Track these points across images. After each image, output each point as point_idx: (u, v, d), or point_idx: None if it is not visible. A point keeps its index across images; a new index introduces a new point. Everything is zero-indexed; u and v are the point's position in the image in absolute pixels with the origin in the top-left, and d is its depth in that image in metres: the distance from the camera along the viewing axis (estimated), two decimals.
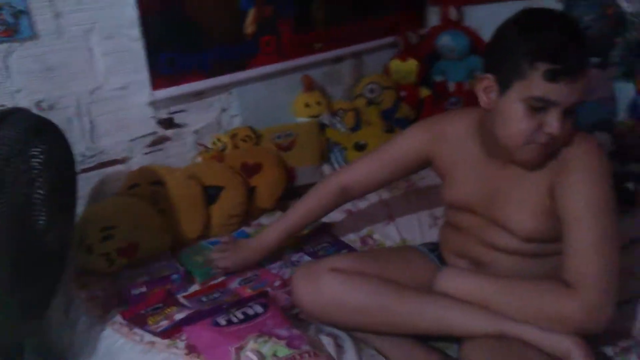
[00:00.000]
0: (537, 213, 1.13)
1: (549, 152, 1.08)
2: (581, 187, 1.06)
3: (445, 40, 2.51)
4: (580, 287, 1.03)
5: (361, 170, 1.43)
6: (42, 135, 1.18)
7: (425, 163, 1.37)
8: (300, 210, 1.47)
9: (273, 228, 1.48)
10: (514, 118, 1.04)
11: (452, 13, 2.60)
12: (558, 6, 2.24)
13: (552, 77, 0.98)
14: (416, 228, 1.68)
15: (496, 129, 1.10)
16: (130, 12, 1.68)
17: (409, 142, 1.35)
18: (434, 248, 1.40)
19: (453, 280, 1.18)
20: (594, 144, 1.11)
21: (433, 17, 2.74)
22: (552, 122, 1.01)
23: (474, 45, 2.52)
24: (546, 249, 1.16)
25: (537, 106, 1.01)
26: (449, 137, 1.27)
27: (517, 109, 1.03)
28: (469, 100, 2.41)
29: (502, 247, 1.19)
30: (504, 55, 1.05)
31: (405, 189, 1.94)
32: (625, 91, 2.08)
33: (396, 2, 2.58)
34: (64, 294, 1.35)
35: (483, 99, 1.11)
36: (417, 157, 1.35)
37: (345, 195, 1.46)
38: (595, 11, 2.15)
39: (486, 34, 2.49)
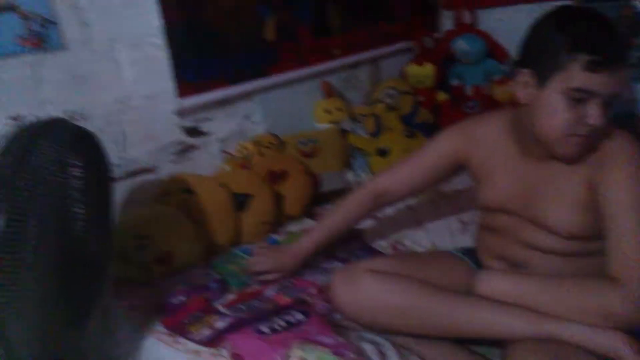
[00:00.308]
0: (576, 208, 1.13)
1: (588, 145, 1.09)
2: (624, 183, 1.06)
3: (461, 44, 2.52)
4: (626, 280, 1.02)
5: (396, 176, 1.43)
6: (83, 146, 1.19)
7: (459, 168, 1.38)
8: (337, 217, 1.47)
9: (310, 234, 1.47)
10: (555, 110, 1.05)
11: (466, 17, 2.62)
12: None
13: (591, 67, 0.99)
14: (446, 233, 1.68)
15: (536, 122, 1.10)
16: (154, 21, 1.69)
17: (443, 147, 1.36)
18: (469, 252, 1.40)
19: (493, 282, 1.18)
20: (630, 138, 1.11)
21: (447, 21, 2.76)
22: (593, 113, 1.02)
23: (489, 49, 2.54)
24: (587, 248, 1.16)
25: (577, 97, 1.02)
26: (481, 139, 1.28)
27: (558, 100, 1.04)
28: (487, 103, 2.43)
29: (540, 246, 1.19)
30: (541, 48, 1.06)
31: (431, 194, 1.94)
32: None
33: (410, 7, 2.59)
34: (103, 304, 1.34)
35: (521, 94, 1.11)
36: (451, 161, 1.36)
37: (380, 201, 1.46)
38: (612, 12, 2.16)
39: (500, 37, 2.54)
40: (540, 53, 1.06)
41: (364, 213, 1.48)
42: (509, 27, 2.52)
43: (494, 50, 2.55)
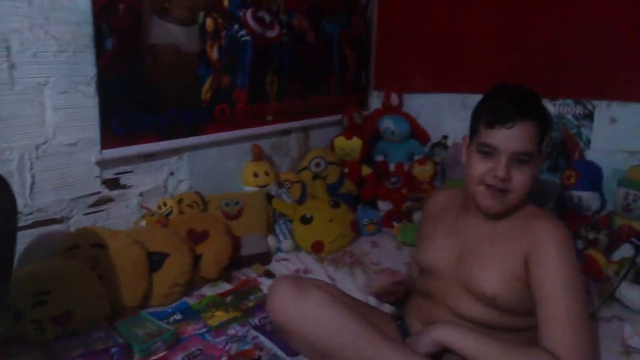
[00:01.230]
0: (507, 276, 1.18)
1: (504, 200, 1.20)
2: (554, 261, 1.14)
3: (388, 124, 2.66)
4: (565, 356, 1.08)
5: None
6: None
7: None
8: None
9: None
10: (471, 164, 1.23)
11: (394, 99, 2.78)
12: None
13: (489, 123, 1.18)
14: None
15: (464, 177, 1.27)
16: (88, 69, 1.66)
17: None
18: (396, 317, 1.41)
19: (447, 330, 1.20)
20: (558, 220, 1.22)
21: (376, 101, 2.91)
22: (497, 166, 1.17)
23: (413, 130, 2.69)
24: (514, 322, 1.20)
25: (485, 151, 1.19)
26: (435, 202, 1.45)
27: (473, 155, 1.23)
28: (408, 180, 2.54)
29: (467, 315, 1.22)
30: (472, 119, 1.27)
31: (350, 264, 1.97)
32: (551, 185, 2.28)
33: (343, 83, 2.72)
34: None
35: (463, 157, 1.30)
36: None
37: None
38: None
39: (423, 120, 2.71)
40: (471, 123, 1.27)
41: None
42: (431, 112, 2.71)
43: (416, 132, 2.71)
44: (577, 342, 1.09)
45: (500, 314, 1.20)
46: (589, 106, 2.19)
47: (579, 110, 2.22)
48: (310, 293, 1.22)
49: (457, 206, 1.35)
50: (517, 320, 1.20)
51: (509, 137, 1.16)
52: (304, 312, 1.21)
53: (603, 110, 2.16)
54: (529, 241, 1.18)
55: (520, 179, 1.18)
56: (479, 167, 1.20)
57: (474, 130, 1.24)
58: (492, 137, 1.17)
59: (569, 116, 2.25)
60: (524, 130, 1.16)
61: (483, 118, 1.20)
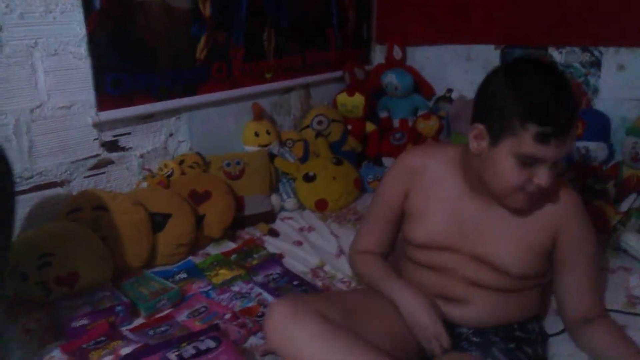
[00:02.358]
0: (531, 252, 1.16)
1: (536, 199, 1.12)
2: (583, 231, 1.18)
3: (391, 78, 2.60)
4: (602, 314, 1.20)
5: (371, 239, 1.35)
6: None
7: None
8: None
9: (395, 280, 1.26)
10: (505, 171, 1.06)
11: (396, 52, 2.71)
12: (495, 54, 2.40)
13: (542, 139, 1.00)
14: None
15: (486, 175, 1.11)
16: (77, 30, 1.62)
17: (393, 192, 1.29)
18: None
19: None
20: (571, 186, 1.21)
21: (378, 55, 2.84)
22: (542, 176, 1.04)
23: (416, 84, 2.63)
24: (527, 284, 1.20)
25: (527, 162, 1.04)
26: (429, 171, 1.24)
27: (508, 162, 1.05)
28: (413, 136, 2.51)
29: (484, 283, 1.18)
30: (495, 110, 1.06)
31: (354, 221, 1.96)
32: None
33: (344, 38, 2.65)
34: None
35: (474, 145, 1.11)
36: (404, 199, 1.28)
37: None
38: None
39: (427, 73, 2.65)
40: (493, 114, 1.06)
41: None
42: (435, 64, 2.64)
43: (420, 86, 2.65)
44: (602, 299, 1.24)
45: (523, 280, 1.18)
46: (597, 53, 2.12)
47: (586, 57, 2.15)
48: (305, 324, 1.05)
49: (460, 179, 1.20)
50: (526, 283, 1.19)
51: (561, 147, 1.02)
52: (297, 345, 1.05)
53: (611, 57, 2.09)
54: (556, 215, 1.15)
55: (554, 177, 1.08)
56: (518, 177, 1.05)
57: (505, 130, 1.03)
58: (545, 151, 1.01)
59: (576, 64, 2.18)
60: (573, 134, 1.04)
61: (529, 126, 1.00)
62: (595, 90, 2.15)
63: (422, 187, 1.23)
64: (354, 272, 1.41)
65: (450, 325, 1.20)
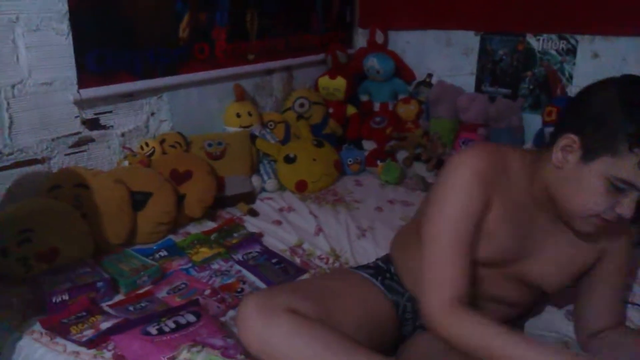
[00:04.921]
0: (577, 272, 1.12)
1: (607, 227, 1.03)
2: (625, 254, 1.16)
3: (372, 62, 2.62)
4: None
5: (459, 281, 1.03)
6: None
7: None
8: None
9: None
10: (591, 191, 0.96)
11: (378, 37, 2.73)
12: (475, 40, 2.44)
13: None
14: (344, 239, 1.73)
15: (562, 192, 1.00)
16: (59, 5, 1.61)
17: (472, 208, 1.03)
18: (376, 272, 1.26)
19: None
20: None
21: (360, 39, 2.86)
22: (627, 206, 0.95)
23: (397, 69, 2.66)
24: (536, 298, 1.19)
25: (619, 187, 0.94)
26: (502, 178, 1.05)
27: (597, 183, 0.95)
28: (392, 120, 2.54)
29: (507, 300, 1.13)
30: (599, 124, 0.95)
31: (333, 202, 2.00)
32: (532, 121, 2.29)
33: (327, 21, 2.66)
34: None
35: (558, 156, 0.99)
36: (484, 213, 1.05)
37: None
38: (508, 46, 2.36)
39: (408, 58, 2.68)
40: (596, 128, 0.95)
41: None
42: (416, 49, 2.68)
43: (401, 71, 2.68)
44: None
45: (540, 295, 1.18)
46: (572, 41, 2.18)
47: (562, 45, 2.20)
48: (278, 323, 0.99)
49: (525, 190, 1.07)
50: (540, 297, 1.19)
51: None
52: (272, 347, 1.00)
53: (586, 45, 2.15)
54: (608, 239, 1.11)
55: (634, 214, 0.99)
56: (603, 200, 0.95)
57: (605, 148, 0.93)
58: None
59: (553, 51, 2.23)
60: None
61: (637, 150, 0.90)
62: (570, 78, 2.20)
63: (499, 198, 1.04)
64: (450, 338, 0.99)
65: None
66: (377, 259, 1.34)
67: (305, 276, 1.52)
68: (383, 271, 1.26)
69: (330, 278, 1.34)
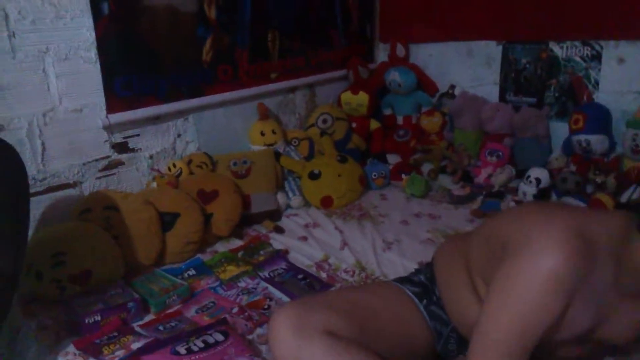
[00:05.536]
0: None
1: None
2: None
3: (394, 76, 2.63)
4: None
5: None
6: None
7: None
8: None
9: None
10: None
11: (399, 50, 2.74)
12: (497, 50, 2.42)
13: None
14: (370, 252, 1.72)
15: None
16: (86, 34, 1.67)
17: (550, 319, 0.88)
18: (422, 292, 1.19)
19: None
20: None
21: (381, 53, 2.87)
22: None
23: (419, 81, 2.66)
24: None
25: None
26: (596, 268, 0.88)
27: None
28: (416, 132, 2.54)
29: (582, 357, 1.06)
30: None
31: (359, 217, 2.00)
32: (559, 130, 2.26)
33: (348, 37, 2.69)
34: (10, 323, 1.28)
35: None
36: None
37: None
38: (530, 55, 2.34)
39: (430, 70, 2.68)
40: None
41: None
42: (437, 61, 2.67)
43: (423, 83, 2.68)
44: None
45: (604, 348, 1.10)
46: (597, 47, 2.14)
47: (586, 51, 2.16)
48: (312, 344, 0.97)
49: (608, 266, 0.90)
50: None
51: None
52: None
53: (611, 50, 2.11)
54: None
55: None
56: None
57: None
58: None
59: (577, 58, 2.19)
60: None
61: None
62: (596, 84, 2.16)
63: (581, 296, 0.89)
64: None
65: None
66: (420, 270, 1.26)
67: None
68: (429, 292, 1.18)
69: (371, 293, 1.22)
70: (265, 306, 1.43)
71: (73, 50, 1.65)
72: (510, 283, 0.88)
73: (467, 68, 2.54)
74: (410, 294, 1.18)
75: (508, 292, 0.89)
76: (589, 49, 2.16)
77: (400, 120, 2.66)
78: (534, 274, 0.85)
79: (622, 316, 0.96)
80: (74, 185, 1.71)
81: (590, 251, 0.86)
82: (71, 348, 1.24)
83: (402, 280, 1.25)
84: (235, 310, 1.41)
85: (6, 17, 1.49)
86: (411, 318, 1.14)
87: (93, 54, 1.69)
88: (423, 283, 1.21)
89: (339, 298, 1.17)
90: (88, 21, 1.66)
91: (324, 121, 2.44)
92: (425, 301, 1.16)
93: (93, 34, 1.68)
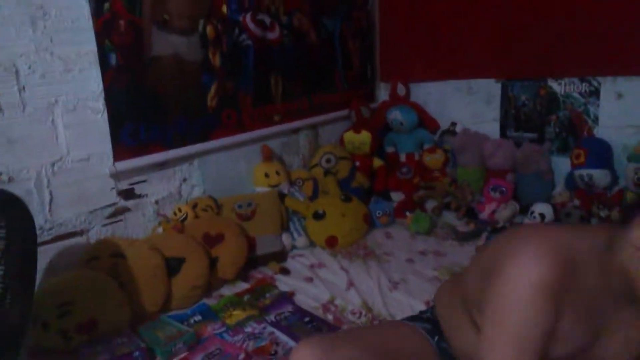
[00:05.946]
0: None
1: None
2: None
3: (395, 115, 2.67)
4: None
5: None
6: (5, 209, 1.17)
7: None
8: None
9: None
10: None
11: (400, 89, 2.79)
12: (496, 87, 2.46)
13: None
14: (376, 292, 1.72)
15: None
16: (94, 86, 1.72)
17: (542, 327, 0.90)
18: (433, 328, 1.21)
19: None
20: None
21: (382, 93, 2.92)
22: None
23: (421, 119, 2.70)
24: None
25: None
26: (581, 276, 0.90)
27: None
28: (419, 169, 2.56)
29: None
30: None
31: (364, 256, 2.00)
32: (561, 164, 2.27)
33: (349, 77, 2.74)
34: None
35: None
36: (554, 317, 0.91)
37: None
38: (529, 91, 2.37)
39: (430, 108, 2.72)
40: None
41: None
42: (438, 99, 2.72)
43: (425, 121, 2.71)
44: None
45: None
46: (595, 83, 2.17)
47: (585, 87, 2.20)
48: None
49: (595, 275, 0.91)
50: None
51: None
52: None
53: (609, 86, 2.14)
54: None
55: None
56: None
57: None
58: None
59: (576, 94, 2.23)
60: None
61: None
62: (596, 119, 2.19)
63: (570, 304, 0.91)
64: None
65: None
66: (426, 311, 1.27)
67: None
68: (439, 329, 1.19)
69: (387, 330, 1.24)
70: (272, 352, 1.42)
71: (81, 101, 1.70)
72: (501, 300, 0.92)
73: (467, 105, 2.58)
74: (423, 331, 1.19)
75: (500, 310, 0.92)
76: (587, 85, 2.19)
77: (403, 157, 2.68)
78: (519, 287, 0.89)
79: (620, 330, 0.96)
80: (81, 233, 1.73)
81: (569, 260, 0.90)
82: None
83: (412, 318, 1.26)
84: (241, 357, 1.41)
85: (17, 72, 1.54)
86: (427, 356, 1.15)
87: (100, 104, 1.74)
88: (431, 320, 1.23)
89: (361, 335, 1.18)
90: (96, 73, 1.71)
91: (328, 160, 2.47)
92: (436, 337, 1.19)
93: (101, 85, 1.73)
